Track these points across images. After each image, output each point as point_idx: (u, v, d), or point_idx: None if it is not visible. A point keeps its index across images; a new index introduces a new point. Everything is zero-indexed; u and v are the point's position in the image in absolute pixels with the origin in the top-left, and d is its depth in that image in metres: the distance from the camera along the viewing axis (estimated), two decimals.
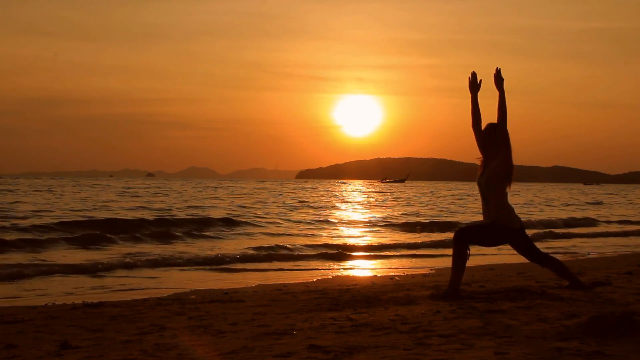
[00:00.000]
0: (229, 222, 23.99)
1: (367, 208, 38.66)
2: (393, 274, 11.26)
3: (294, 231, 21.96)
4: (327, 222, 26.31)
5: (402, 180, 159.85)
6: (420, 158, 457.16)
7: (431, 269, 12.03)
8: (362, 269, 12.85)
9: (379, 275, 11.25)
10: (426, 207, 40.02)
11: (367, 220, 27.84)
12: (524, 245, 6.63)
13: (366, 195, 61.73)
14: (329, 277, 11.27)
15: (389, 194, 67.65)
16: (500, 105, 6.68)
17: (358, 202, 45.76)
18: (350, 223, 26.25)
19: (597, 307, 5.64)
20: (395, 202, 46.36)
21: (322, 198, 52.12)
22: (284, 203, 41.48)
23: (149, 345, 4.92)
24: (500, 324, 5.08)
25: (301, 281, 10.42)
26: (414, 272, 11.46)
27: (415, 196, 60.53)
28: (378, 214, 31.69)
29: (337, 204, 42.16)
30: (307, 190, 73.57)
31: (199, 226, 22.30)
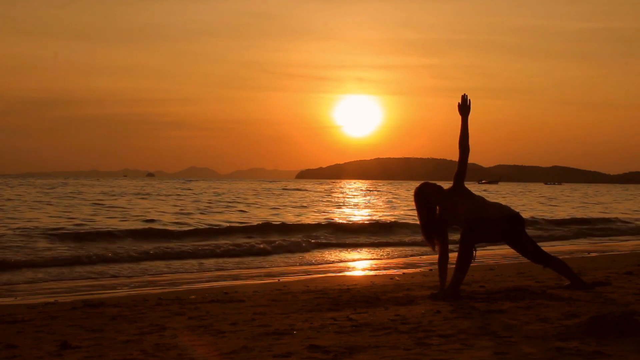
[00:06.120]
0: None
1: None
2: (393, 273, 11.26)
3: None
4: None
5: (496, 182, 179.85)
6: (420, 158, 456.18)
7: (431, 269, 12.02)
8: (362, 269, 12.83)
9: (378, 275, 11.25)
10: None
11: None
12: (527, 242, 6.57)
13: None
14: (329, 277, 11.27)
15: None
16: (462, 138, 6.31)
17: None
18: None
19: (597, 307, 5.64)
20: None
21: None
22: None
23: (149, 345, 4.92)
24: (500, 324, 5.08)
25: (301, 280, 10.42)
26: (413, 272, 11.46)
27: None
28: None
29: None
30: None
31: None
